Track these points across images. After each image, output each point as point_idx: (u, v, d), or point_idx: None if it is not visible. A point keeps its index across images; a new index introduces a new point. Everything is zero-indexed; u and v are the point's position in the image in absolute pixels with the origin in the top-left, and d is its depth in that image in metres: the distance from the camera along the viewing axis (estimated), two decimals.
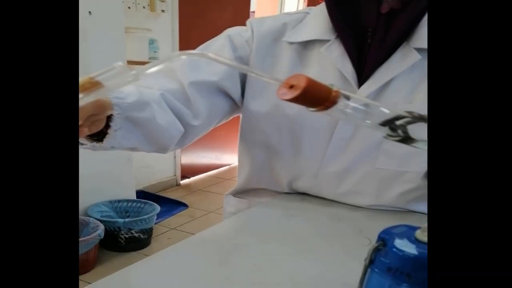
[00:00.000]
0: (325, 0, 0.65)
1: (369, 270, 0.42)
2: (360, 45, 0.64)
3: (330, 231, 0.66)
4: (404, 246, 0.39)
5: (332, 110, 0.28)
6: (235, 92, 0.70)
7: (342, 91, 0.28)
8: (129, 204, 2.22)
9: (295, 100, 0.26)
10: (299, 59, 0.68)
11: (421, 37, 0.62)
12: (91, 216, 1.93)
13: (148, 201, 2.24)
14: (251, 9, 3.58)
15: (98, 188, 2.05)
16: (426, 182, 0.72)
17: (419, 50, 0.62)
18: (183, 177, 3.22)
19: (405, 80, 0.64)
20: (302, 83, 0.26)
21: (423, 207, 0.71)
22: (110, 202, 2.15)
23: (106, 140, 0.54)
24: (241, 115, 0.75)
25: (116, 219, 2.01)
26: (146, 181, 2.86)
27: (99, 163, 1.99)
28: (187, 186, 3.19)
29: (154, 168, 2.88)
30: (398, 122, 0.32)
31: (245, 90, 0.71)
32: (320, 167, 0.71)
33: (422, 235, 0.40)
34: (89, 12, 1.73)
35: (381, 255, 0.40)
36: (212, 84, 0.67)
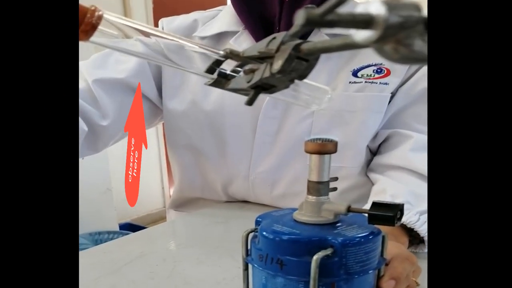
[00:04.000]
0: None
1: (249, 264, 0.35)
2: (269, 35, 0.62)
3: None
4: (276, 228, 0.32)
5: (98, 37, 0.23)
6: (149, 91, 0.66)
7: (110, 14, 0.23)
8: (111, 236, 2.14)
9: None
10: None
11: None
12: None
13: (130, 232, 2.15)
14: None
15: None
16: (364, 179, 0.66)
17: (331, 36, 0.60)
18: None
19: (322, 68, 0.61)
20: None
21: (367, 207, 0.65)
22: (90, 234, 2.07)
23: None
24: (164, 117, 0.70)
25: None
26: (134, 214, 2.78)
27: None
28: None
29: (141, 200, 2.82)
30: (228, 68, 0.27)
31: (162, 89, 0.67)
32: (250, 167, 0.66)
33: (300, 214, 0.33)
34: None
35: (255, 242, 0.33)
36: (118, 82, 0.62)
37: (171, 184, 3.06)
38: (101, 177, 2.09)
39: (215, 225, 0.64)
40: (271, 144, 0.64)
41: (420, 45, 0.11)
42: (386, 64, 0.60)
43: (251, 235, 0.35)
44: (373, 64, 0.60)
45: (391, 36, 0.11)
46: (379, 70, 0.60)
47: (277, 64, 0.20)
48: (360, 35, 0.12)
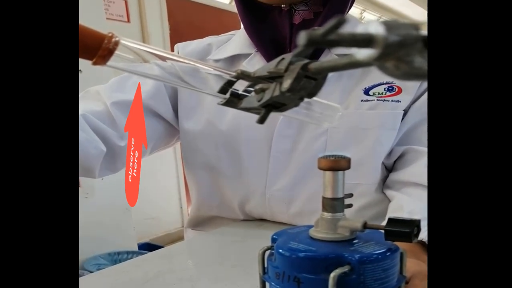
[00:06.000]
0: (241, 18, 0.66)
1: (267, 282, 0.35)
2: None
3: None
4: (293, 245, 0.32)
5: (116, 61, 0.24)
6: (166, 112, 0.68)
7: (126, 40, 0.24)
8: (129, 256, 2.15)
9: None
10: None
11: None
12: (86, 270, 1.86)
13: (148, 252, 2.16)
14: None
15: (95, 240, 2.01)
16: (381, 196, 0.66)
17: (341, 56, 0.61)
18: None
19: (334, 87, 0.62)
20: None
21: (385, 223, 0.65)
22: (109, 254, 2.08)
23: None
24: (180, 137, 0.71)
25: None
26: (152, 233, 2.79)
27: (96, 213, 1.96)
28: None
29: (160, 220, 2.83)
30: (240, 88, 0.28)
31: (178, 110, 0.68)
32: (266, 185, 0.66)
33: (316, 231, 0.33)
34: (80, 70, 1.78)
35: (271, 260, 0.33)
36: None
37: (189, 203, 3.07)
38: (120, 197, 2.12)
39: (233, 244, 0.64)
40: (286, 162, 0.64)
41: (420, 61, 0.12)
42: (397, 82, 0.61)
43: (267, 252, 0.35)
44: (384, 82, 0.61)
45: (392, 54, 0.12)
46: (390, 88, 0.61)
47: (286, 83, 0.21)
48: (362, 53, 0.12)
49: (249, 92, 0.28)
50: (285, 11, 0.62)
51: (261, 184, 0.67)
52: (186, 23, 2.90)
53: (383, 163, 0.63)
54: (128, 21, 2.54)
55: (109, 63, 0.26)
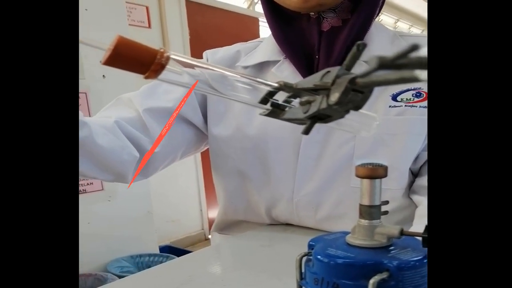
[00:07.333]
0: (269, 25, 0.67)
1: (304, 287, 0.36)
2: (310, 64, 0.65)
3: None
4: (331, 252, 0.33)
5: (167, 75, 0.25)
6: (196, 118, 0.69)
7: (176, 54, 0.25)
8: (151, 258, 2.18)
9: (111, 62, 0.23)
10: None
11: (368, 50, 0.63)
12: (110, 272, 1.90)
13: (170, 254, 2.19)
14: None
15: (118, 243, 2.04)
16: (408, 201, 0.66)
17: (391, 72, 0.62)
18: None
19: None
20: (114, 43, 0.23)
21: (412, 228, 0.65)
22: (132, 257, 2.12)
23: None
24: (209, 142, 0.72)
25: None
26: (173, 236, 2.82)
27: (119, 216, 1.99)
28: None
29: (180, 223, 2.86)
30: (280, 99, 0.29)
31: (207, 116, 0.70)
32: (294, 190, 0.67)
33: (353, 238, 0.34)
34: (103, 75, 1.82)
35: (309, 266, 0.34)
36: (167, 110, 0.66)
37: (209, 207, 3.10)
38: (142, 200, 2.15)
39: (261, 248, 0.64)
40: (314, 168, 0.65)
41: None
42: (425, 88, 0.61)
43: (304, 258, 0.35)
44: (412, 88, 0.61)
45: None
46: (418, 94, 0.61)
47: (334, 96, 0.22)
48: (426, 74, 0.13)
49: (289, 102, 0.29)
50: (313, 19, 0.63)
51: (288, 189, 0.67)
52: (205, 28, 2.93)
53: (409, 168, 0.63)
54: (149, 26, 2.58)
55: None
